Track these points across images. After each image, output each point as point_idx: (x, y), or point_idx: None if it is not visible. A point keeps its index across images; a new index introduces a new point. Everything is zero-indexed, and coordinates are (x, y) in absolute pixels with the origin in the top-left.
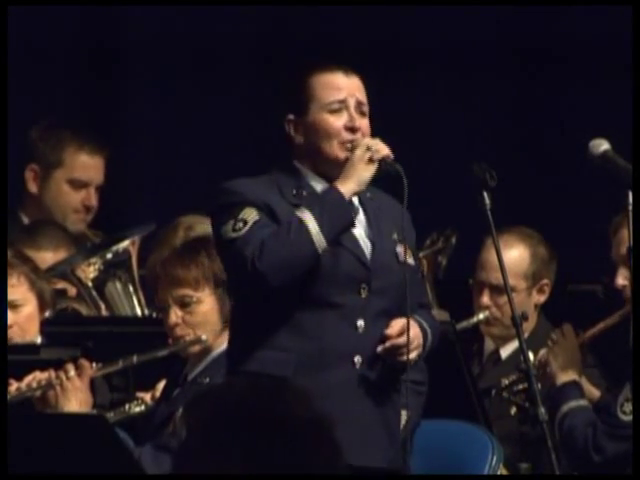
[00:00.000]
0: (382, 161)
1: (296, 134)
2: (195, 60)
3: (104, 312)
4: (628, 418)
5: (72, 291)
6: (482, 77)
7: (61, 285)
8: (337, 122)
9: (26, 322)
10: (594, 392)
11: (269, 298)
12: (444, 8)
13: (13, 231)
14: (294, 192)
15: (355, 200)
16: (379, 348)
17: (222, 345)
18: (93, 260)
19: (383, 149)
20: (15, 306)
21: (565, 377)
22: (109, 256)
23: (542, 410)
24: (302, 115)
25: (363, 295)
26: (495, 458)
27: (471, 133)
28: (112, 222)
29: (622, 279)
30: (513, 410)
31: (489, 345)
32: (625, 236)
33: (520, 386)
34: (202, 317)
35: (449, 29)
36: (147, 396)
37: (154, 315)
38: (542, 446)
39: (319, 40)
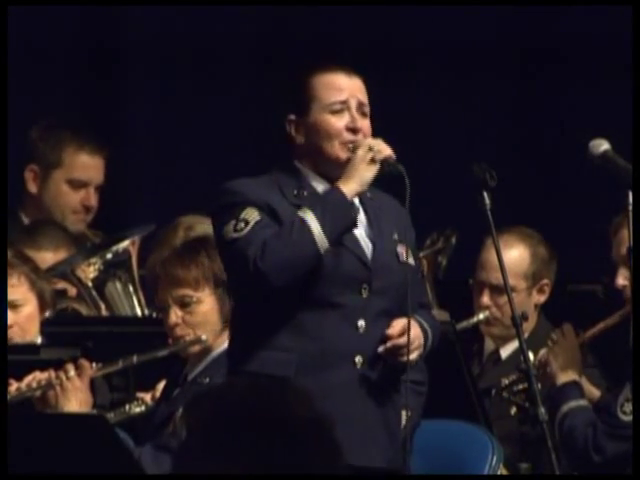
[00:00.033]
0: (384, 162)
1: (297, 134)
2: (195, 60)
3: (104, 312)
4: (628, 418)
5: (72, 291)
6: (482, 77)
7: (61, 285)
8: (338, 123)
9: (26, 322)
10: (594, 392)
11: (271, 298)
12: (444, 8)
13: (13, 231)
14: (295, 192)
15: (356, 200)
16: (380, 348)
17: (222, 345)
18: (93, 260)
19: (385, 149)
20: (15, 306)
21: (565, 377)
22: (109, 256)
23: (542, 410)
24: (303, 115)
25: (364, 295)
26: (495, 458)
27: (471, 133)
28: (112, 222)
29: (622, 279)
30: (513, 410)
31: (489, 345)
32: (625, 236)
33: (520, 386)
34: (202, 317)
35: (449, 29)
36: (147, 396)
37: (154, 315)
38: (542, 446)
39: (319, 40)
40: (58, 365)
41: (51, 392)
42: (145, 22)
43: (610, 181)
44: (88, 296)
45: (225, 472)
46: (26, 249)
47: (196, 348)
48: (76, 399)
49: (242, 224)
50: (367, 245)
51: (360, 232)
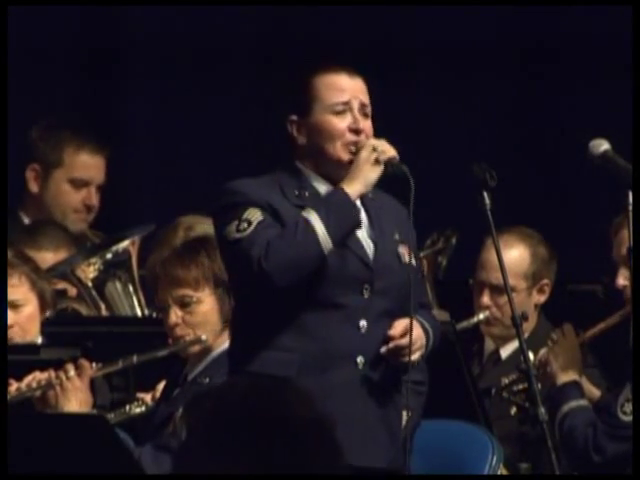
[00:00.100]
0: (388, 162)
1: (299, 135)
2: (195, 60)
3: (104, 312)
4: (628, 418)
5: (72, 291)
6: (482, 77)
7: (61, 285)
8: (341, 124)
9: (27, 322)
10: (594, 392)
11: (273, 298)
12: (444, 8)
13: (13, 231)
14: (296, 192)
15: (357, 201)
16: (382, 349)
17: (222, 345)
18: (93, 260)
19: (389, 150)
20: (16, 306)
21: (565, 377)
22: (109, 256)
23: (542, 410)
24: (305, 116)
25: (366, 295)
26: (495, 458)
27: (471, 133)
28: (112, 222)
29: (623, 279)
30: (513, 410)
31: (489, 345)
32: (626, 236)
33: (520, 386)
34: (202, 317)
35: (449, 29)
36: (147, 397)
37: (154, 315)
38: (542, 446)
39: (319, 40)
40: (58, 365)
41: (51, 392)
42: (145, 22)
43: (610, 181)
44: (88, 296)
45: (225, 472)
46: (26, 249)
47: (196, 348)
48: (76, 399)
49: (245, 224)
50: (369, 245)
51: (362, 232)
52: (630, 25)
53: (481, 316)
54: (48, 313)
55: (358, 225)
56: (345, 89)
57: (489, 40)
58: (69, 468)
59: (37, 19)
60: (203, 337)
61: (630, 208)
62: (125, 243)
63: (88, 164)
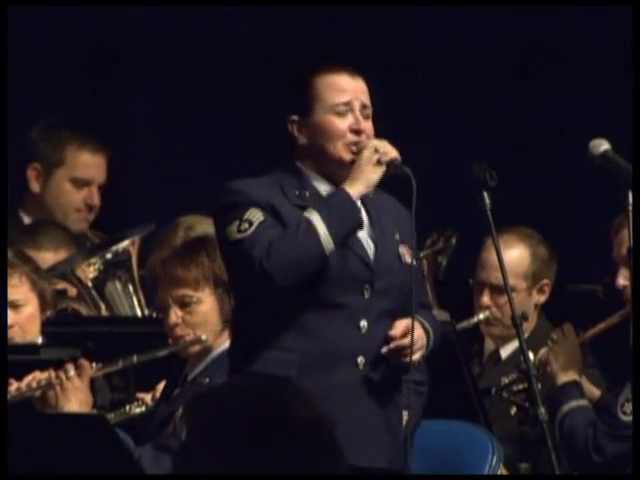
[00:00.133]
0: (390, 163)
1: (299, 135)
2: (195, 60)
3: (104, 312)
4: (628, 418)
5: (72, 291)
6: (482, 77)
7: (61, 285)
8: (342, 124)
9: (27, 322)
10: (594, 392)
11: (274, 299)
12: (444, 8)
13: (14, 231)
14: (297, 193)
15: (357, 201)
16: (383, 349)
17: (222, 345)
18: (93, 260)
19: (391, 151)
20: (16, 306)
21: (565, 377)
22: (109, 256)
23: (542, 410)
24: (306, 116)
25: (366, 296)
26: (495, 458)
27: (471, 133)
28: (112, 222)
29: (623, 279)
30: (513, 410)
31: (489, 345)
32: (626, 236)
33: (520, 386)
34: (202, 317)
35: (449, 29)
36: (147, 397)
37: (154, 315)
38: (542, 446)
39: (319, 40)
40: (58, 365)
41: (51, 392)
42: (145, 22)
43: (610, 181)
44: (88, 296)
45: (226, 472)
46: (26, 249)
47: (196, 348)
48: (76, 399)
49: (246, 224)
50: (369, 246)
51: (362, 233)
52: (630, 25)
53: (481, 316)
54: (48, 313)
55: (360, 226)
56: (346, 90)
57: (489, 40)
58: (69, 468)
59: (37, 19)
60: (203, 337)
61: (630, 208)
62: (125, 243)
63: (89, 163)
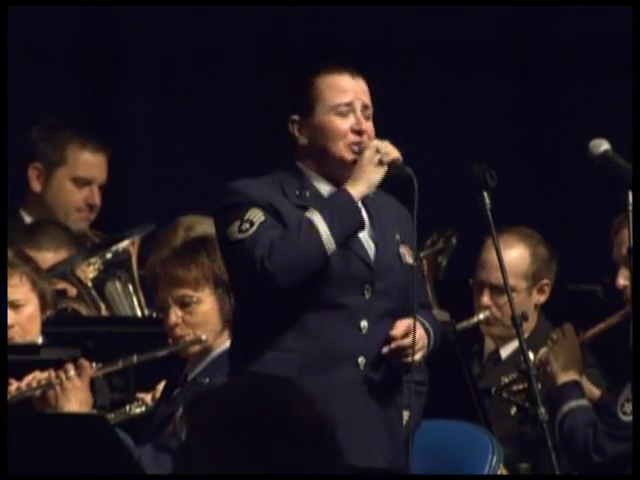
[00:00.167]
0: (392, 164)
1: (300, 135)
2: (195, 60)
3: (104, 312)
4: (628, 418)
5: (72, 291)
6: (482, 77)
7: (61, 285)
8: (344, 124)
9: (27, 322)
10: (594, 392)
11: (275, 299)
12: (444, 8)
13: (14, 230)
14: (297, 193)
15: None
16: (384, 349)
17: (222, 345)
18: (93, 260)
19: (393, 152)
20: (17, 306)
21: (566, 377)
22: (109, 256)
23: (542, 410)
24: (307, 116)
25: (367, 296)
26: (495, 458)
27: (471, 133)
28: (112, 222)
29: (623, 279)
30: (513, 410)
31: (489, 345)
32: (626, 236)
33: (520, 386)
34: (202, 317)
35: (449, 29)
36: (147, 397)
37: (154, 315)
38: (542, 446)
39: (319, 40)
40: (58, 365)
41: (51, 392)
42: (145, 22)
43: (610, 181)
44: (88, 296)
45: (226, 472)
46: (27, 249)
47: (196, 348)
48: (76, 399)
49: (247, 225)
50: (370, 246)
51: (363, 233)
52: (630, 25)
53: (481, 316)
54: (48, 313)
55: (362, 227)
56: (348, 90)
57: (489, 40)
58: (69, 468)
59: (37, 19)
60: (203, 337)
61: (630, 208)
62: (125, 243)
63: (91, 162)
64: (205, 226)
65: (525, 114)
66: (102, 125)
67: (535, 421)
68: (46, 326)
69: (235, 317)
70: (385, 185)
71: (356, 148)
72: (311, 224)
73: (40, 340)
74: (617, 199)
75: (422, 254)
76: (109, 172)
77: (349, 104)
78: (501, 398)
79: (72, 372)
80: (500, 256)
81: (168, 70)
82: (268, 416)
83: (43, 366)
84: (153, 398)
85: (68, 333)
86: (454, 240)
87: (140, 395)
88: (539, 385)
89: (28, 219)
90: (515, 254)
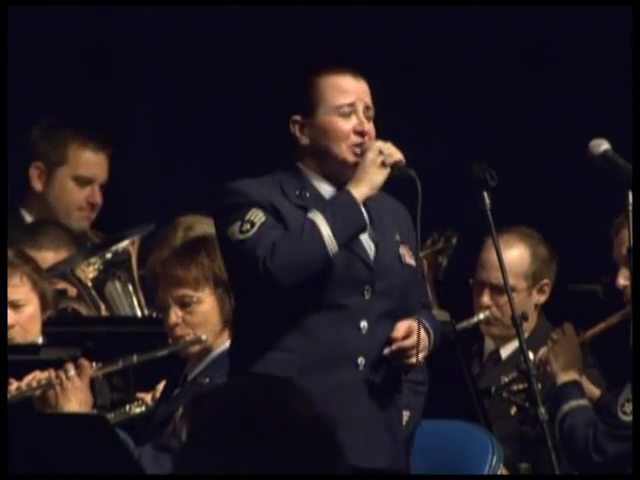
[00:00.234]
0: (395, 165)
1: (302, 135)
2: (195, 60)
3: (104, 312)
4: (628, 418)
5: (72, 291)
6: (482, 76)
7: (61, 285)
8: (346, 125)
9: (28, 322)
10: (594, 391)
11: (275, 299)
12: (444, 8)
13: (15, 230)
14: (297, 193)
15: None
16: (385, 350)
17: (222, 345)
18: (93, 260)
19: (395, 153)
20: (17, 306)
21: (566, 377)
22: (109, 256)
23: (542, 410)
24: (309, 116)
25: (367, 296)
26: (495, 458)
27: (471, 133)
28: (112, 222)
29: (623, 279)
30: (513, 410)
31: (489, 345)
32: (626, 236)
33: (520, 386)
34: (202, 317)
35: (449, 29)
36: (147, 397)
37: (154, 315)
38: (542, 446)
39: (319, 40)
40: (58, 365)
41: (51, 392)
42: (145, 22)
43: (610, 181)
44: (88, 296)
45: (226, 472)
46: (27, 249)
47: (196, 348)
48: (76, 399)
49: (248, 225)
50: (370, 246)
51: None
52: (630, 25)
53: (481, 316)
54: (49, 313)
55: (364, 228)
56: (350, 91)
57: (489, 40)
58: (69, 468)
59: (37, 19)
60: (203, 337)
61: (630, 208)
62: (125, 243)
63: (92, 161)
64: (205, 226)
65: (525, 114)
66: (102, 125)
67: (535, 421)
68: (46, 326)
69: (235, 317)
70: (388, 187)
71: (358, 150)
72: (313, 225)
73: (40, 340)
74: (617, 199)
75: (422, 254)
76: (109, 172)
77: (352, 105)
78: (501, 398)
79: (72, 372)
80: (500, 256)
81: (168, 70)
82: (268, 416)
83: (43, 366)
84: (153, 398)
85: (68, 333)
86: (454, 240)
87: (140, 395)
88: (539, 385)
89: (29, 218)
90: (515, 254)
